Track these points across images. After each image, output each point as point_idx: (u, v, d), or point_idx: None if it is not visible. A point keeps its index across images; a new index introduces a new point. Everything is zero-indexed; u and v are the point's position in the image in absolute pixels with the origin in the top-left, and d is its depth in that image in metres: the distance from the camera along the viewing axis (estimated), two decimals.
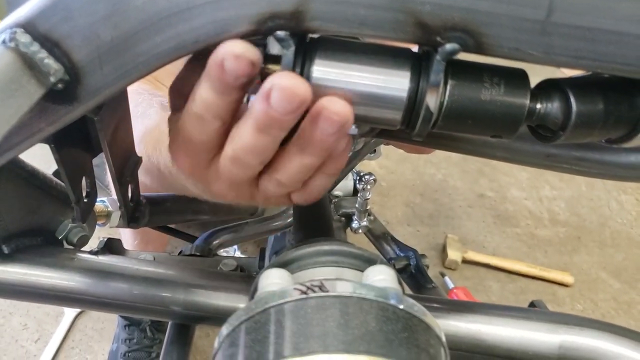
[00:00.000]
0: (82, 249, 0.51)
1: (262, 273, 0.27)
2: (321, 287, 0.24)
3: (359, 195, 0.87)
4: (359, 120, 0.28)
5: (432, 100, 0.26)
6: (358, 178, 0.86)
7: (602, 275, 1.60)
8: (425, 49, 0.26)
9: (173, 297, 0.44)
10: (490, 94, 0.26)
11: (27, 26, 0.25)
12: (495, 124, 0.27)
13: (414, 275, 0.78)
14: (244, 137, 0.26)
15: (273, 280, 0.26)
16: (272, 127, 0.25)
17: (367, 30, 0.24)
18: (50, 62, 0.26)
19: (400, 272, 0.80)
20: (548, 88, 0.28)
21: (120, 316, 1.16)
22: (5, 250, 0.44)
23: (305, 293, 0.24)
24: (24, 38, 0.25)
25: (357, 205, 0.88)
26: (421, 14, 0.23)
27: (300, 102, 0.24)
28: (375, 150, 0.83)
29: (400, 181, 1.94)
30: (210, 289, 0.45)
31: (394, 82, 0.26)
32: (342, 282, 0.25)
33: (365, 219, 0.89)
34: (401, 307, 0.25)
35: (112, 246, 0.50)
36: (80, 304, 0.45)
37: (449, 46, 0.24)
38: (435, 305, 0.40)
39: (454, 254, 1.54)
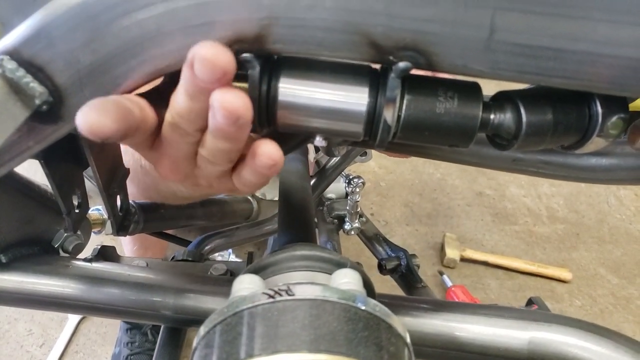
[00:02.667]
0: (78, 256, 0.53)
1: (236, 279, 0.29)
2: (287, 291, 0.26)
3: (348, 198, 0.88)
4: (324, 132, 0.30)
5: (389, 114, 0.27)
6: (347, 181, 0.87)
7: (600, 271, 1.61)
8: (383, 66, 0.28)
9: (163, 301, 0.46)
10: (444, 107, 0.28)
11: (13, 53, 0.27)
12: (451, 134, 0.28)
13: (404, 275, 0.80)
14: (179, 102, 0.27)
15: (245, 285, 0.28)
16: (200, 93, 0.26)
17: (325, 51, 0.26)
18: (35, 86, 0.28)
19: (391, 272, 0.82)
20: (501, 99, 0.29)
21: (122, 320, 1.18)
22: (3, 259, 0.46)
23: (272, 297, 0.26)
24: (10, 64, 0.27)
25: (347, 208, 0.90)
26: (374, 35, 0.25)
27: (222, 71, 0.24)
28: (365, 153, 0.85)
29: (399, 181, 1.96)
30: (200, 293, 0.46)
31: (354, 98, 0.28)
32: (308, 285, 0.27)
33: (357, 221, 0.91)
34: (363, 308, 0.26)
35: (106, 253, 0.53)
36: (75, 310, 0.47)
37: (402, 64, 0.26)
38: (412, 304, 0.42)
39: (451, 253, 1.55)
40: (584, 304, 1.49)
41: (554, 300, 1.49)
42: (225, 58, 0.24)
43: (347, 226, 0.91)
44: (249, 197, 0.89)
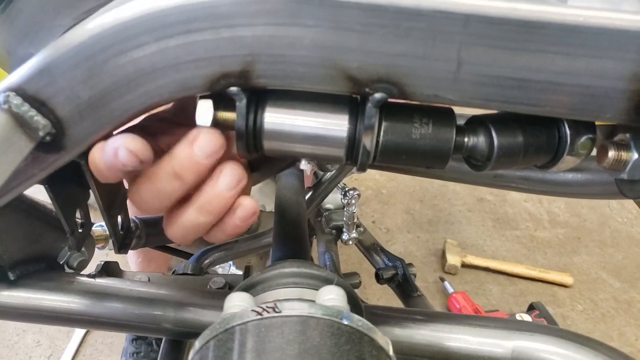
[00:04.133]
0: (82, 271, 0.55)
1: (227, 297, 0.31)
2: (274, 308, 0.28)
3: (344, 209, 0.90)
4: (308, 157, 0.32)
5: (367, 140, 0.29)
6: (343, 193, 0.89)
7: (602, 275, 1.61)
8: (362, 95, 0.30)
9: (164, 315, 0.48)
10: (420, 133, 0.30)
11: (18, 90, 0.29)
12: (427, 158, 0.30)
13: (401, 284, 0.82)
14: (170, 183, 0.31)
15: (235, 302, 0.30)
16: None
17: (305, 84, 0.28)
18: (39, 119, 0.30)
19: (388, 281, 0.83)
20: (475, 123, 0.31)
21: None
22: (11, 276, 0.48)
23: (260, 314, 0.28)
24: (16, 100, 0.29)
25: (344, 219, 0.92)
26: (350, 69, 0.27)
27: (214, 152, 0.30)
28: None
29: (400, 188, 1.97)
30: (199, 307, 0.48)
31: (335, 125, 0.30)
32: (293, 302, 0.29)
33: (355, 231, 0.93)
34: (345, 323, 0.28)
35: (109, 269, 0.55)
36: (80, 324, 0.49)
37: (377, 95, 0.28)
38: (402, 315, 0.43)
39: (452, 259, 1.56)
40: (586, 309, 1.49)
41: (555, 305, 1.50)
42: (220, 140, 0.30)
43: (344, 236, 0.93)
44: None
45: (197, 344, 0.30)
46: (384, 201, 1.91)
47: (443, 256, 1.62)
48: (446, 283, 1.50)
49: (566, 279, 1.55)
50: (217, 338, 0.28)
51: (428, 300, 0.76)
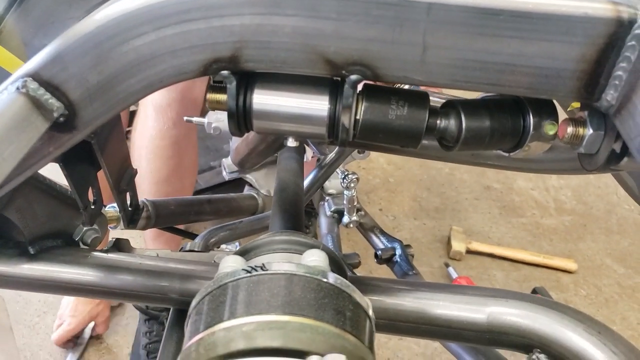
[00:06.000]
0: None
1: (222, 260, 0.35)
2: (262, 267, 0.32)
3: (344, 193, 0.94)
4: (294, 134, 0.35)
5: (346, 119, 0.33)
6: (342, 177, 0.93)
7: (606, 261, 1.63)
8: (341, 77, 0.33)
9: (170, 286, 0.52)
10: (396, 114, 0.33)
11: (34, 75, 0.33)
12: (401, 137, 0.33)
13: (399, 264, 0.85)
14: None
15: (229, 264, 0.34)
16: None
17: (288, 67, 0.31)
18: (53, 102, 0.34)
19: (386, 261, 0.87)
20: (448, 108, 0.34)
21: (140, 312, 1.26)
22: (32, 250, 0.53)
23: (249, 272, 0.32)
24: (32, 84, 0.33)
25: (344, 202, 0.95)
26: (327, 54, 0.30)
27: None
28: (364, 150, 0.90)
29: (408, 177, 2.00)
30: (203, 278, 0.52)
31: (316, 105, 0.33)
32: (279, 262, 0.32)
33: (355, 215, 0.96)
34: (325, 280, 0.32)
35: (120, 245, 0.59)
36: (93, 294, 0.53)
37: (352, 77, 0.31)
38: (388, 285, 0.47)
39: (457, 245, 1.59)
40: (589, 294, 1.51)
41: (559, 290, 1.52)
42: None
43: (345, 219, 0.97)
44: (255, 194, 0.94)
45: (195, 301, 0.33)
46: (391, 189, 1.93)
47: (448, 242, 1.64)
48: (450, 268, 1.53)
49: (570, 264, 1.56)
50: (212, 294, 0.32)
51: (423, 278, 0.79)
